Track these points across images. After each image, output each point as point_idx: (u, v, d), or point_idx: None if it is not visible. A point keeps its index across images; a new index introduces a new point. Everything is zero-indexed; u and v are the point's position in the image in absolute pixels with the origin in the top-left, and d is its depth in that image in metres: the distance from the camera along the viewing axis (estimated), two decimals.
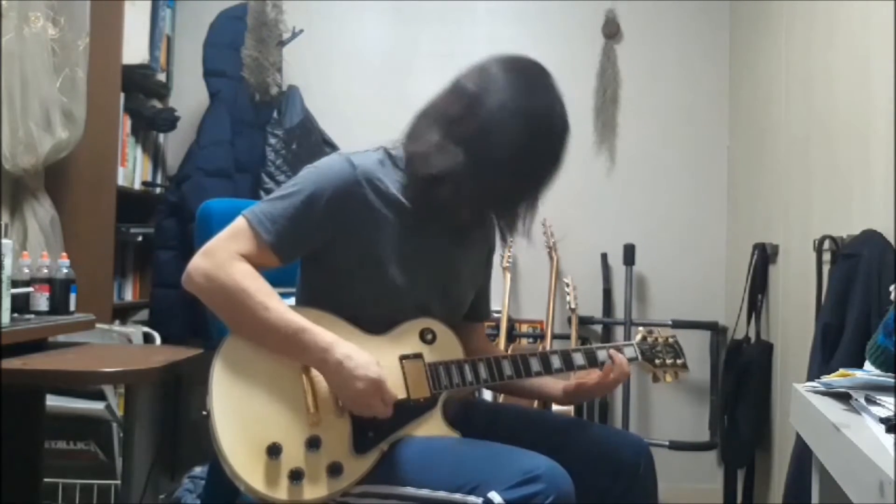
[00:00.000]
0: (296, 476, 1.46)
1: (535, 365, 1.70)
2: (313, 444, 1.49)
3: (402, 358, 1.60)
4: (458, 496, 1.44)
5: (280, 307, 1.53)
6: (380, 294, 1.63)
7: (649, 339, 1.85)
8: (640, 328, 1.90)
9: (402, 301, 1.64)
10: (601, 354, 1.76)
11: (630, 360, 1.79)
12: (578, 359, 1.74)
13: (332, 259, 1.63)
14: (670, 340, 1.87)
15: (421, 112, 1.67)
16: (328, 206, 1.58)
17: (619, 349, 1.78)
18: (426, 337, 1.64)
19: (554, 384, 1.80)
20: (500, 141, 1.57)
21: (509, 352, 1.99)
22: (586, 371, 1.75)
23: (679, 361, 1.86)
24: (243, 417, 1.48)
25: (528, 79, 1.63)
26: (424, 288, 1.66)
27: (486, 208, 1.69)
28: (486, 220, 1.77)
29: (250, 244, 1.56)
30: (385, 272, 1.61)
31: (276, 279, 1.62)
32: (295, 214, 1.57)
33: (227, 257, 1.54)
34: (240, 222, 1.58)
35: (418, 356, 1.62)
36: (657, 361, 1.83)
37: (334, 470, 1.48)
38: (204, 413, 1.49)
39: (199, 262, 1.56)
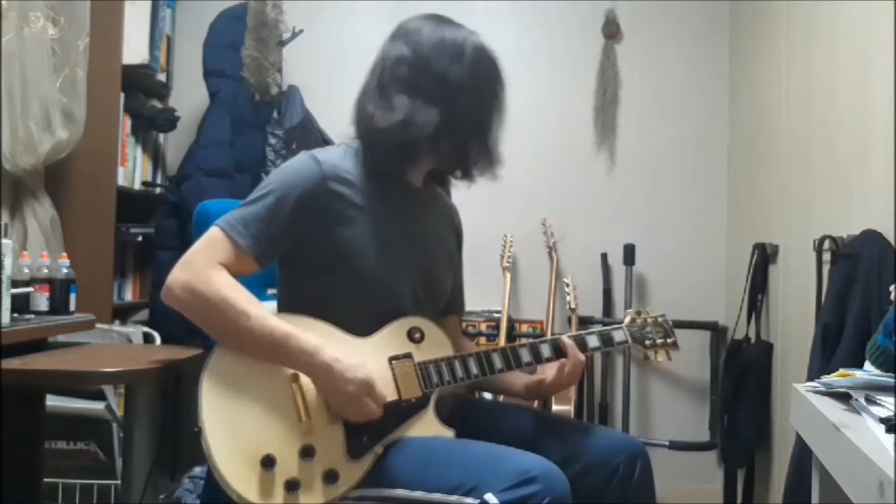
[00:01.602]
0: (292, 486, 1.46)
1: (525, 356, 1.69)
2: (307, 452, 1.49)
3: (392, 359, 1.60)
4: (454, 498, 1.43)
5: (262, 315, 1.53)
6: (361, 288, 1.62)
7: (638, 321, 1.83)
8: (629, 310, 1.88)
9: (385, 293, 1.64)
10: (591, 340, 1.74)
11: (620, 343, 1.79)
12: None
13: (309, 259, 1.63)
14: (660, 320, 1.85)
15: (356, 100, 1.72)
16: (298, 205, 1.59)
17: (607, 334, 1.77)
18: (414, 336, 1.64)
19: (517, 380, 1.78)
20: (433, 76, 1.64)
21: None
22: (543, 367, 1.73)
23: (669, 340, 1.84)
24: (235, 432, 1.48)
25: (430, 20, 1.73)
26: (405, 275, 1.67)
27: (448, 147, 1.68)
28: (446, 186, 1.84)
29: (227, 252, 1.56)
30: (364, 263, 1.62)
31: (268, 280, 1.61)
32: (267, 216, 1.58)
33: (205, 267, 1.54)
34: (213, 232, 1.58)
35: (407, 356, 1.61)
36: (647, 342, 1.81)
37: (330, 477, 1.48)
38: (196, 429, 1.49)
39: (178, 275, 1.55)
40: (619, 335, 1.79)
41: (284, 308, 1.69)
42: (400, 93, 1.63)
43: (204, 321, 1.56)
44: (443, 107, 1.63)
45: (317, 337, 1.54)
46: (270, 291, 1.88)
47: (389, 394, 1.56)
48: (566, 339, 1.71)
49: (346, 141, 1.73)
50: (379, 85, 1.67)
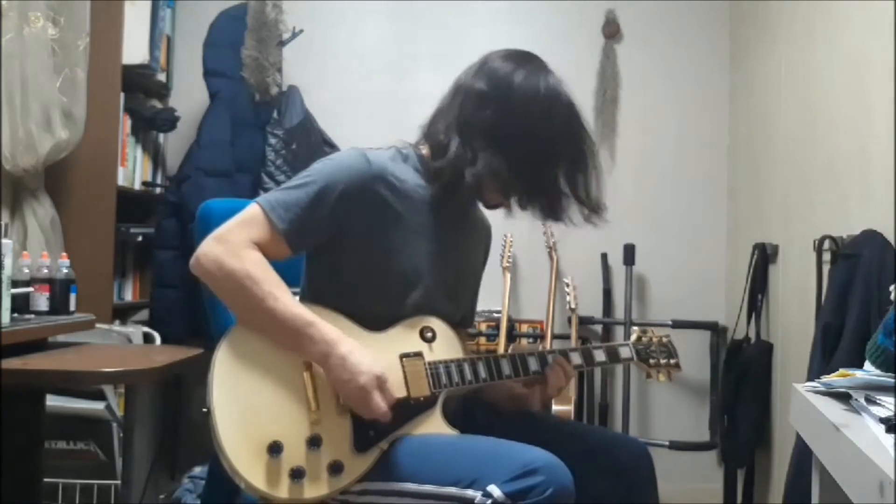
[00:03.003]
0: (297, 475, 1.46)
1: (532, 364, 1.70)
2: (314, 442, 1.49)
3: (403, 356, 1.60)
4: (456, 490, 1.44)
5: (288, 299, 1.53)
6: (387, 289, 1.63)
7: (644, 339, 1.89)
8: (635, 328, 1.94)
9: (409, 297, 1.64)
10: (598, 354, 1.79)
11: (626, 359, 1.85)
12: (575, 358, 1.76)
13: (340, 253, 1.63)
14: (664, 340, 1.91)
15: (432, 121, 1.71)
16: (341, 198, 1.59)
17: (614, 349, 1.83)
18: (426, 335, 1.64)
19: (506, 390, 1.76)
20: (529, 129, 1.63)
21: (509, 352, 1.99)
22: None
23: (672, 361, 1.90)
24: (244, 415, 1.48)
25: (530, 64, 1.70)
26: (432, 284, 1.67)
27: (536, 201, 1.72)
28: (483, 218, 1.84)
29: (263, 232, 1.56)
30: (394, 266, 1.62)
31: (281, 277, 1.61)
32: (308, 204, 1.57)
33: (239, 244, 1.54)
34: (253, 209, 1.58)
35: (418, 355, 1.61)
36: (651, 361, 1.87)
37: (335, 468, 1.49)
38: (204, 410, 1.49)
39: (211, 248, 1.55)
40: (624, 352, 1.84)
41: (305, 298, 1.69)
42: (482, 139, 1.63)
43: (228, 296, 1.56)
44: (523, 157, 1.64)
45: (336, 329, 1.54)
46: None
47: (398, 391, 1.56)
48: (560, 358, 1.73)
49: (395, 145, 1.72)
50: (462, 121, 1.65)
